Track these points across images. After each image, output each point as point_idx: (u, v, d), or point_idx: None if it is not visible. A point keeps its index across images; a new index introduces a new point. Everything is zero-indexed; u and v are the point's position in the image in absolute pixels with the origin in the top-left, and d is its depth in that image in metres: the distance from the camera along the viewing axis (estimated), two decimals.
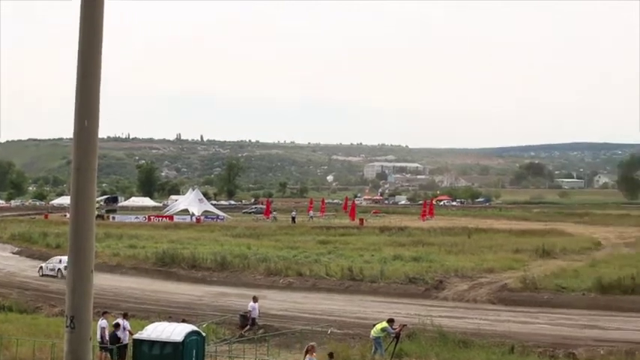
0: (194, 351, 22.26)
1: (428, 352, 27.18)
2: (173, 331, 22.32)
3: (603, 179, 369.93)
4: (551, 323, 35.73)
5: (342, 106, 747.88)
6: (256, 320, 33.68)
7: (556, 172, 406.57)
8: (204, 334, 24.02)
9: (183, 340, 21.85)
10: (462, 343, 29.12)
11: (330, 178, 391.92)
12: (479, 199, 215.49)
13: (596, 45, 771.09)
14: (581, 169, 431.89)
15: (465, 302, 41.50)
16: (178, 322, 25.50)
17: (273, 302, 39.96)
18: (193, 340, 22.36)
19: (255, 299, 34.32)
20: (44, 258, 59.05)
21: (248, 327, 33.22)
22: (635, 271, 43.14)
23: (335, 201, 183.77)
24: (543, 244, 61.15)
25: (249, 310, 33.72)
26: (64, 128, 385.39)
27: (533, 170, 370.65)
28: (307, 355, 22.40)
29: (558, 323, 35.65)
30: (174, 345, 21.83)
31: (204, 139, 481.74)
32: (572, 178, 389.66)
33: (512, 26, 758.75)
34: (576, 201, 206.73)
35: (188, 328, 23.08)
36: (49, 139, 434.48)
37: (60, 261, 51.72)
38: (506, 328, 34.04)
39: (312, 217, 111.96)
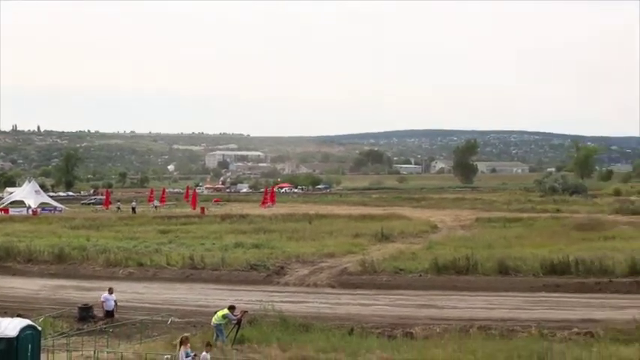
0: (29, 346, 21.63)
1: (269, 337, 27.31)
2: (7, 327, 21.61)
3: (440, 165, 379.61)
4: (390, 304, 36.60)
5: (182, 96, 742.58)
6: (113, 312, 32.91)
7: (395, 159, 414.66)
8: (40, 328, 23.41)
9: (18, 335, 21.20)
10: (303, 326, 29.49)
11: (171, 167, 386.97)
12: (319, 186, 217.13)
13: (436, 36, 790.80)
14: (419, 156, 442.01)
15: (306, 287, 41.95)
16: (13, 317, 24.76)
17: (114, 293, 39.33)
18: (29, 335, 21.75)
19: (110, 291, 33.55)
20: None
21: (109, 320, 32.35)
22: (469, 252, 44.74)
23: (176, 190, 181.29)
24: (382, 228, 62.53)
25: (103, 302, 32.98)
26: None
27: (372, 157, 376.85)
28: (182, 347, 22.09)
29: (397, 304, 36.55)
30: (7, 340, 21.15)
31: (42, 129, 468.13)
32: (410, 164, 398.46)
33: (348, 16, 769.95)
34: (414, 186, 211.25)
35: (23, 322, 22.40)
36: None
37: None
38: (346, 311, 34.67)
39: (156, 206, 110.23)
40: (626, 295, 37.15)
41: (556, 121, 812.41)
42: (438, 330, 29.34)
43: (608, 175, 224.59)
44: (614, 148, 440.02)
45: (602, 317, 31.46)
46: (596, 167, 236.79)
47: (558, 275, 41.18)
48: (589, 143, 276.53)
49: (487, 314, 33.16)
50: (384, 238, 60.39)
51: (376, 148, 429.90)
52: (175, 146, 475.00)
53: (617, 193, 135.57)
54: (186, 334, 23.26)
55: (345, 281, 42.45)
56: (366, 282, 41.98)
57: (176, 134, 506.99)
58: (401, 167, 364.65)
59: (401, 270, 43.66)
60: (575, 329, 29.21)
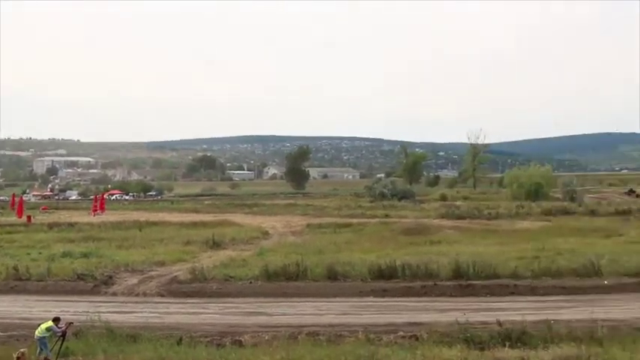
0: None
1: (95, 349, 26.76)
2: None
3: (272, 171, 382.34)
4: (220, 312, 36.39)
5: (12, 97, 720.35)
6: None
7: (228, 165, 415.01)
8: None
9: None
10: (131, 337, 28.95)
11: None
12: (151, 193, 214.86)
13: (270, 41, 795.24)
14: (252, 162, 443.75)
15: (135, 296, 41.18)
16: None
17: None
18: None
19: None
20: None
21: None
22: (299, 258, 45.08)
23: (2, 198, 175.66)
24: (213, 235, 62.28)
25: None
26: None
27: (205, 163, 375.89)
28: None
29: (227, 312, 36.39)
30: None
31: None
32: (243, 170, 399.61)
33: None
34: (246, 192, 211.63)
35: None
36: None
37: None
38: (175, 320, 34.24)
39: None
40: (450, 298, 38.20)
41: (387, 128, 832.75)
42: (266, 337, 29.39)
43: (435, 181, 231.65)
44: (441, 154, 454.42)
45: (427, 320, 32.23)
46: (424, 173, 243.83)
47: (386, 280, 41.99)
48: (417, 149, 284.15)
49: (316, 320, 33.40)
50: (215, 245, 60.23)
51: (209, 154, 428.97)
52: (1, 152, 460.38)
53: (444, 198, 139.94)
54: (22, 350, 22.63)
55: (175, 290, 41.99)
56: (197, 290, 41.61)
57: (2, 139, 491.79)
58: (234, 173, 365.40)
59: (231, 277, 43.54)
60: (401, 333, 29.79)
